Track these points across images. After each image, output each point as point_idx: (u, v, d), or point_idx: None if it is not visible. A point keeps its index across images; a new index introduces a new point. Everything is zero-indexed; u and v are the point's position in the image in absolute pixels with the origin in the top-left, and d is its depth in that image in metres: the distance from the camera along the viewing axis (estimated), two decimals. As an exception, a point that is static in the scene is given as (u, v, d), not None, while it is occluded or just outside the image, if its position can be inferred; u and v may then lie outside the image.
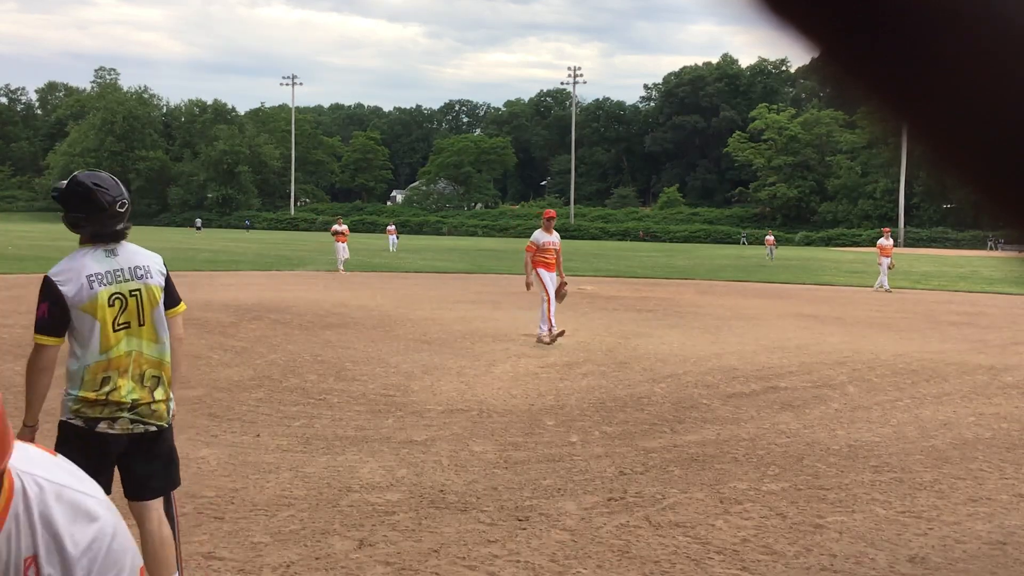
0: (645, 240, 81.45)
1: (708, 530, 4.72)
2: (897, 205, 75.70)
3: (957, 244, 71.08)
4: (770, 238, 44.96)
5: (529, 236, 12.65)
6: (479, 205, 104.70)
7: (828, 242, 78.61)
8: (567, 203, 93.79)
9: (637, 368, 9.87)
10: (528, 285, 12.04)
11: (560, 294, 12.03)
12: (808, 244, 78.45)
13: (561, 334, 11.60)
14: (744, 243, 79.12)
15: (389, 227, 45.72)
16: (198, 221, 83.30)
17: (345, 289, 19.82)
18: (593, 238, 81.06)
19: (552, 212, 12.61)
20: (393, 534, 4.54)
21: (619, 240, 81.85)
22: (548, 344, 11.37)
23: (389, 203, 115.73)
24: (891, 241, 24.37)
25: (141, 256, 3.57)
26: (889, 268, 23.63)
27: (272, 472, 5.57)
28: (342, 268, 25.96)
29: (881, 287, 23.69)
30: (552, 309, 11.72)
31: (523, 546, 4.44)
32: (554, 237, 12.21)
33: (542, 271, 12.04)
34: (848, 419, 7.53)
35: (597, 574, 4.12)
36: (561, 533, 4.62)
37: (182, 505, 4.96)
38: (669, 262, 38.87)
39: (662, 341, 12.15)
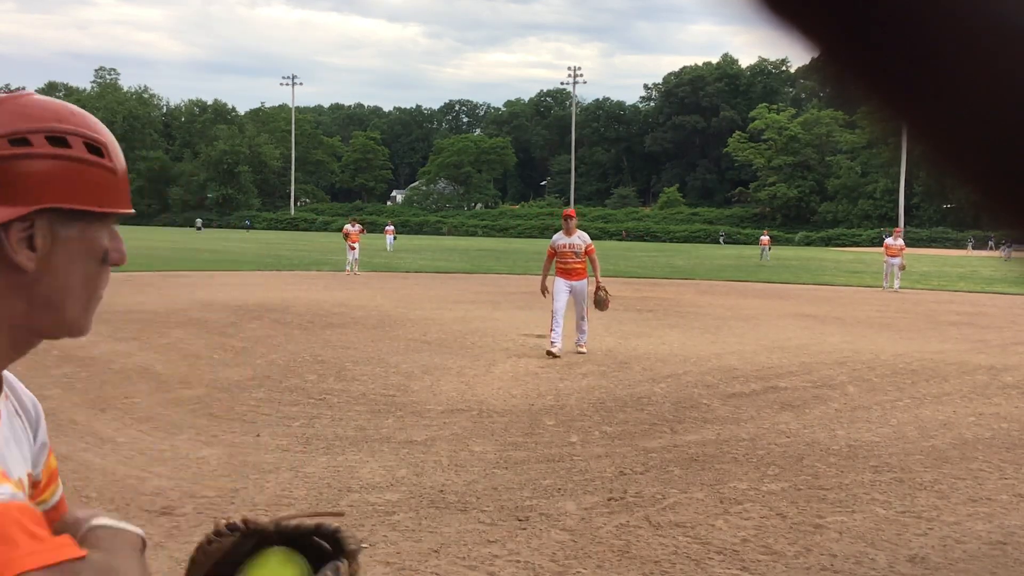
0: (628, 240, 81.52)
1: (708, 530, 4.72)
2: (897, 205, 75.71)
3: (957, 244, 71.16)
4: (765, 238, 45.02)
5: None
6: (479, 205, 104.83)
7: (828, 242, 78.71)
8: (567, 203, 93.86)
9: (637, 368, 9.87)
10: (543, 291, 11.00)
11: (596, 300, 10.75)
12: (808, 244, 78.52)
13: (552, 353, 10.31)
14: (722, 242, 79.27)
15: (387, 227, 45.94)
16: (199, 221, 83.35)
17: (345, 289, 19.83)
18: (593, 238, 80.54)
19: (570, 211, 11.23)
20: (393, 534, 4.54)
21: (619, 240, 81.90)
22: (555, 357, 10.24)
23: (389, 203, 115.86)
24: (900, 242, 24.24)
25: None
26: (900, 269, 23.51)
27: (272, 472, 5.57)
28: (348, 269, 25.73)
29: (891, 287, 23.63)
30: (556, 323, 10.42)
31: (523, 546, 4.44)
32: (575, 238, 10.91)
33: (558, 279, 10.87)
34: (848, 419, 7.53)
35: (597, 574, 4.12)
36: (561, 533, 4.62)
37: (183, 505, 4.97)
38: (669, 262, 38.89)
39: (662, 341, 12.15)
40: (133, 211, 1.07)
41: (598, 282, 10.87)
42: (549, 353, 10.35)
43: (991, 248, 58.07)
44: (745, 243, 78.00)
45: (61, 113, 1.00)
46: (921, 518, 5.01)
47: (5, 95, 0.99)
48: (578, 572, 4.13)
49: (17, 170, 0.94)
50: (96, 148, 1.01)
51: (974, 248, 64.09)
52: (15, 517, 0.83)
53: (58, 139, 0.97)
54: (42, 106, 0.99)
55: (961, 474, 5.94)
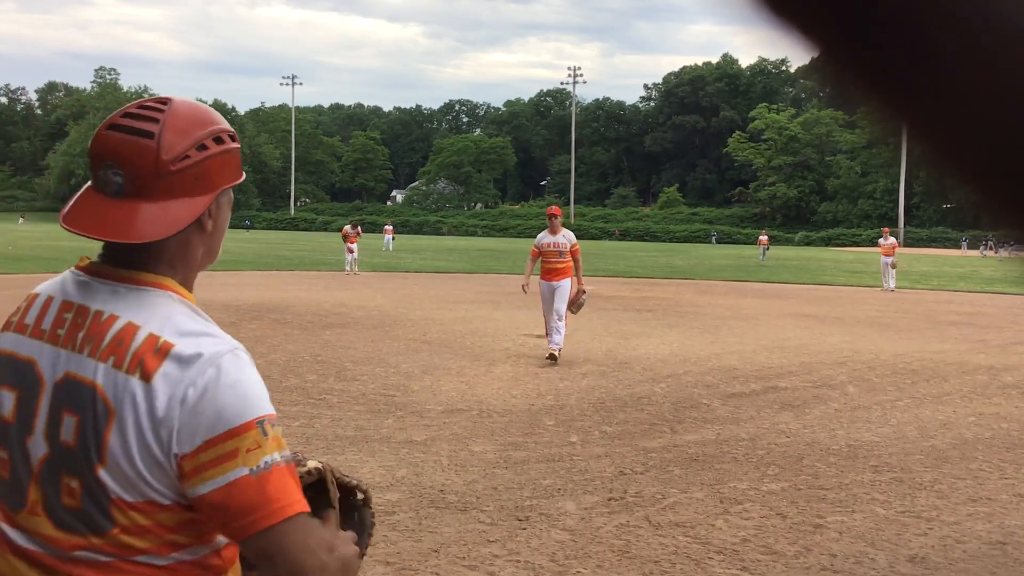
0: (628, 240, 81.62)
1: (708, 530, 4.72)
2: (897, 205, 75.71)
3: (957, 244, 71.15)
4: (763, 238, 45.25)
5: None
6: (479, 205, 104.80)
7: (828, 242, 78.68)
8: (567, 203, 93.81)
9: (637, 368, 9.87)
10: (524, 287, 11.00)
11: (574, 303, 10.37)
12: (808, 244, 78.51)
13: (551, 357, 10.03)
14: (714, 242, 79.62)
15: (386, 227, 46.13)
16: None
17: (345, 289, 19.82)
18: (593, 238, 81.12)
19: (555, 209, 10.81)
20: (393, 534, 4.54)
21: (619, 240, 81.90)
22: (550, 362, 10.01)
23: (389, 203, 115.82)
24: (891, 240, 24.28)
25: None
26: (892, 267, 23.60)
27: (272, 472, 5.56)
28: (348, 269, 25.74)
29: (886, 287, 23.72)
30: (551, 326, 10.21)
31: (523, 546, 4.44)
32: (560, 237, 10.48)
33: (541, 282, 10.51)
34: (848, 419, 7.54)
35: (597, 574, 4.12)
36: (561, 533, 4.63)
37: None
38: (669, 262, 38.88)
39: (662, 341, 12.15)
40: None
41: (580, 284, 10.46)
42: (551, 356, 10.06)
43: (989, 248, 58.00)
44: (737, 242, 78.41)
45: (210, 116, 1.40)
46: (921, 518, 5.01)
47: (160, 106, 1.34)
48: (578, 572, 4.13)
49: (206, 168, 1.35)
50: (232, 136, 1.42)
51: (969, 248, 64.16)
52: (292, 473, 1.30)
53: (217, 138, 1.37)
54: (198, 112, 1.38)
55: (961, 474, 5.95)
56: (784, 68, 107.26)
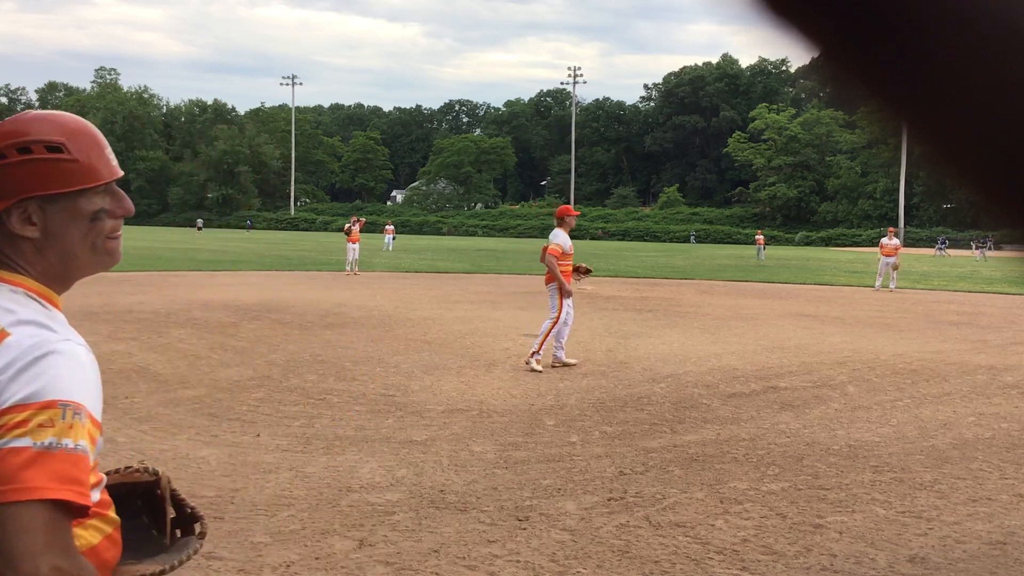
0: (605, 239, 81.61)
1: (708, 530, 4.72)
2: (897, 205, 75.70)
3: (957, 244, 71.12)
4: (760, 237, 45.67)
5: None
6: (479, 205, 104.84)
7: (828, 242, 78.72)
8: (567, 203, 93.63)
9: (637, 368, 9.87)
10: (568, 293, 9.80)
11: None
12: (808, 244, 78.54)
13: (527, 363, 9.63)
14: (693, 241, 80.00)
15: (387, 227, 46.20)
16: (199, 222, 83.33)
17: (345, 289, 19.82)
18: (592, 239, 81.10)
19: (569, 208, 10.16)
20: (393, 534, 4.54)
21: (619, 240, 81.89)
22: (538, 370, 9.44)
23: (389, 203, 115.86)
24: (894, 241, 24.26)
25: None
26: (894, 268, 23.61)
27: (272, 472, 5.57)
28: (348, 269, 25.54)
29: (885, 287, 23.75)
30: (552, 331, 9.68)
31: (523, 546, 4.44)
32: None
33: (565, 287, 9.81)
34: (848, 419, 7.54)
35: (597, 574, 4.12)
36: (561, 533, 4.62)
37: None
38: (669, 262, 38.87)
39: (662, 341, 12.15)
40: (111, 179, 1.46)
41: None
42: (563, 365, 9.77)
43: (946, 246, 58.34)
44: (722, 242, 78.81)
45: (29, 126, 1.41)
46: (921, 518, 5.01)
47: None
48: (578, 572, 4.13)
49: (2, 176, 1.39)
50: (55, 147, 1.40)
51: (977, 247, 64.11)
52: (79, 464, 1.26)
53: (24, 148, 1.39)
54: (13, 123, 1.42)
55: (961, 474, 5.94)
56: (784, 68, 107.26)
